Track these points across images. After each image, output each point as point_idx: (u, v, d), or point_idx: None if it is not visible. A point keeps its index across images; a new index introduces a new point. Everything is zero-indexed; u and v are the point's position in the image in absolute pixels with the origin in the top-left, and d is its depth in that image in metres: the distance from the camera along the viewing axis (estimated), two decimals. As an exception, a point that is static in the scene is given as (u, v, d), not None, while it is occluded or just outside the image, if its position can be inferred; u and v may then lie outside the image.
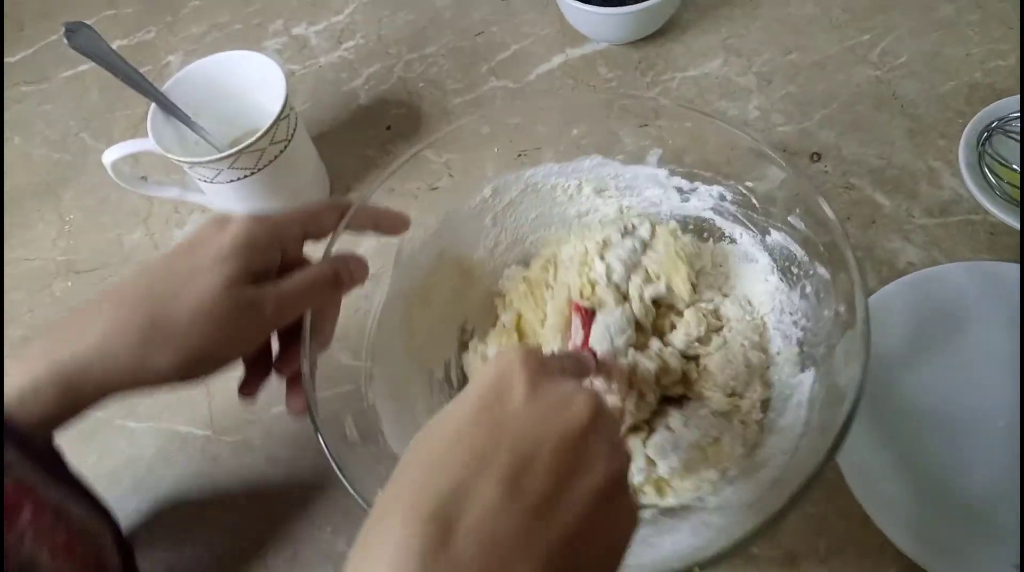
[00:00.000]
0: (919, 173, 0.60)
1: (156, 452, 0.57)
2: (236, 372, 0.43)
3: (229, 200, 0.62)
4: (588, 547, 0.28)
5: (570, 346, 0.49)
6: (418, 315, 0.53)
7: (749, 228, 0.52)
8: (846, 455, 0.46)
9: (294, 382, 0.43)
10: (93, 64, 0.58)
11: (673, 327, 0.52)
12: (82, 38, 0.57)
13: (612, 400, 0.46)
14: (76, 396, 0.36)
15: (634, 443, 0.46)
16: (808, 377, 0.46)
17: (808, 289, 0.48)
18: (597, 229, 0.56)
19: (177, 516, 0.54)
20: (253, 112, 0.62)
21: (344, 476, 0.38)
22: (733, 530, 0.36)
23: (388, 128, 0.71)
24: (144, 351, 0.36)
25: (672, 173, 0.54)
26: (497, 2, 0.79)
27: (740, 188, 0.51)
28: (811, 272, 0.47)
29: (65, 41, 0.56)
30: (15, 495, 0.34)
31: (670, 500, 0.45)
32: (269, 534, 0.52)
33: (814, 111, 0.65)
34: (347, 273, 0.43)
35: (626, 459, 0.31)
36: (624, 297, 0.52)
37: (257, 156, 0.57)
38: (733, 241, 0.54)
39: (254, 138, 0.56)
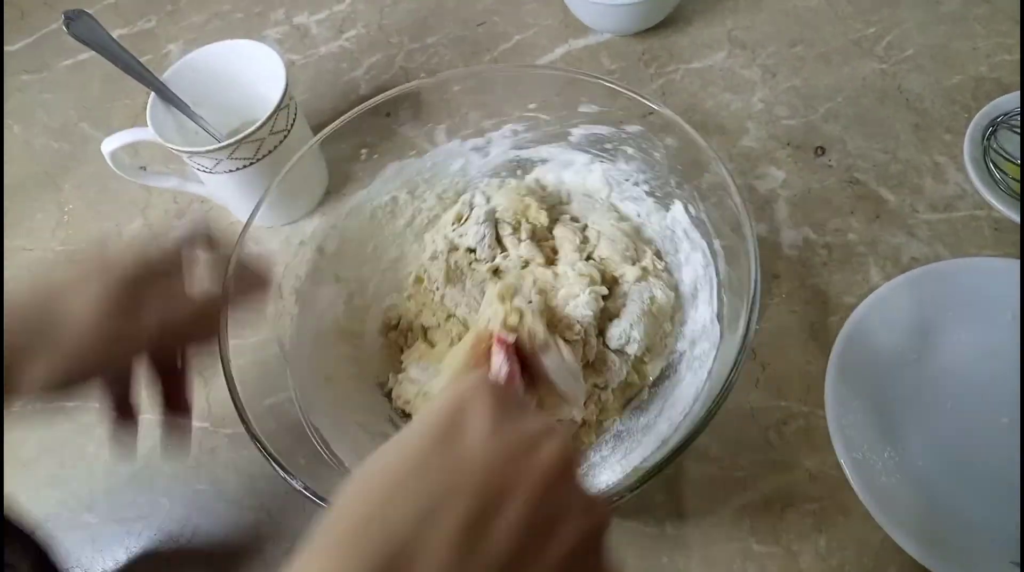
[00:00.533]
0: (924, 168, 0.59)
1: (153, 444, 0.56)
2: (238, 362, 0.43)
3: (228, 190, 0.61)
4: None
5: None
6: (329, 395, 0.51)
7: (550, 142, 0.56)
8: (847, 451, 0.46)
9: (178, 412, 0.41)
10: (94, 53, 0.58)
11: (555, 252, 0.54)
12: (82, 26, 0.57)
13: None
14: None
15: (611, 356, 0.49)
16: (677, 209, 0.52)
17: (630, 150, 0.54)
18: (435, 222, 0.58)
19: (174, 508, 0.54)
20: (253, 102, 0.62)
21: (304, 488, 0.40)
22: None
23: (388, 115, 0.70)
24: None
25: (464, 139, 0.57)
26: (499, -8, 0.78)
27: (523, 116, 0.55)
28: (623, 135, 0.53)
29: (65, 29, 0.56)
30: None
31: (650, 378, 0.50)
32: (267, 526, 0.52)
33: (819, 104, 0.64)
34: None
35: (605, 517, 0.27)
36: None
37: (256, 146, 0.57)
38: (545, 161, 0.57)
39: (253, 128, 0.55)
